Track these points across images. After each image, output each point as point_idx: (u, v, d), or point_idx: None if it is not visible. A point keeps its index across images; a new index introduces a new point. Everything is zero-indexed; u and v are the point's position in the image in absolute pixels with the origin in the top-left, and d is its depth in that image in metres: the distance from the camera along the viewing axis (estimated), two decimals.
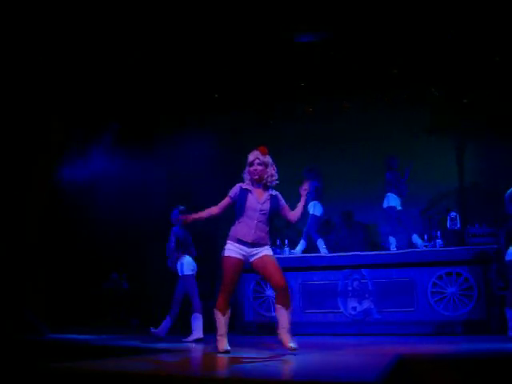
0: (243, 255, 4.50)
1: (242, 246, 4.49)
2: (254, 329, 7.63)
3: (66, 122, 9.01)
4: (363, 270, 7.40)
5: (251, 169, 4.56)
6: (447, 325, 6.91)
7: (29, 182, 8.54)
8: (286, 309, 4.44)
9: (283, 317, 4.44)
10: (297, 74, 8.58)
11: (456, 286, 6.99)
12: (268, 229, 4.55)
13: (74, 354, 5.30)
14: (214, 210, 4.65)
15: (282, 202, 4.65)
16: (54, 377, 3.02)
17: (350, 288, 7.42)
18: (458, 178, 8.55)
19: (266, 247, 4.54)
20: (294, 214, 4.61)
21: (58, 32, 7.17)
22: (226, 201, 4.64)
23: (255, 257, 4.51)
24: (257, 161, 4.53)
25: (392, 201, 7.81)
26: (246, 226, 4.51)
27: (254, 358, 4.14)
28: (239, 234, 4.51)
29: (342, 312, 7.37)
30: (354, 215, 8.67)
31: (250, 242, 4.48)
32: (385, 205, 7.87)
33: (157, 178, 9.59)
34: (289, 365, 3.76)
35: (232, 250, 4.50)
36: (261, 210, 4.51)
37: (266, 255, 4.51)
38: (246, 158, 4.60)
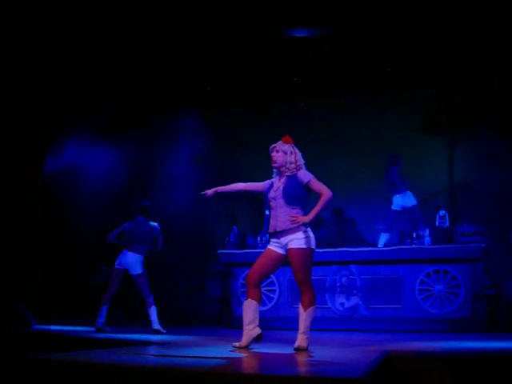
0: (279, 247, 4.40)
1: (273, 238, 4.46)
2: (241, 323, 7.62)
3: (56, 114, 8.94)
4: (352, 266, 7.42)
5: (271, 157, 4.56)
6: (434, 322, 6.95)
7: (21, 175, 8.48)
8: (304, 310, 4.28)
9: (300, 317, 4.31)
10: (293, 71, 8.56)
11: (443, 284, 7.03)
12: (294, 212, 4.34)
13: (58, 345, 5.28)
14: (240, 186, 4.70)
15: (305, 178, 4.41)
16: (35, 368, 3.01)
17: (338, 284, 7.44)
18: (448, 177, 8.59)
19: (297, 234, 4.30)
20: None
21: (49, 23, 7.07)
22: (256, 183, 4.68)
23: (286, 247, 4.35)
24: (275, 149, 4.53)
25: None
26: (270, 218, 4.50)
27: (236, 352, 4.14)
28: (268, 227, 4.51)
29: (329, 308, 7.39)
30: (343, 212, 8.69)
31: (274, 231, 4.41)
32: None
33: (150, 172, 9.55)
34: (274, 359, 3.76)
35: (270, 242, 4.49)
36: (277, 196, 4.44)
37: (290, 249, 4.32)
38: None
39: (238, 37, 7.67)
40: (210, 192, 4.65)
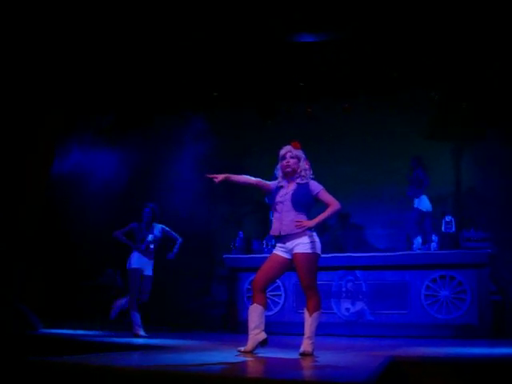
0: (285, 252, 4.39)
1: (279, 243, 4.45)
2: (246, 328, 7.62)
3: (61, 115, 8.96)
4: (357, 272, 7.42)
5: (284, 162, 4.50)
6: (440, 328, 6.92)
7: (23, 175, 8.51)
8: (309, 315, 4.28)
9: (305, 322, 4.31)
10: (297, 75, 8.57)
11: (449, 290, 7.01)
12: (299, 217, 4.34)
13: (62, 349, 5.28)
14: (252, 180, 4.62)
15: (315, 189, 4.43)
16: (39, 371, 3.01)
17: (343, 289, 7.44)
18: (455, 182, 8.55)
19: (303, 239, 4.31)
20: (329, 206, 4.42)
21: (55, 23, 7.08)
22: (265, 182, 4.62)
23: (292, 252, 4.35)
24: (289, 154, 4.48)
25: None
26: (274, 220, 4.48)
27: (241, 356, 4.14)
28: (271, 230, 4.50)
29: (335, 313, 7.39)
30: (349, 216, 8.68)
31: (278, 235, 4.40)
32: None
33: (154, 175, 9.57)
34: (280, 364, 3.76)
35: (276, 247, 4.48)
36: (284, 200, 4.42)
37: (296, 254, 4.32)
38: (277, 154, 4.52)
39: (242, 41, 7.69)
40: (220, 177, 4.50)
